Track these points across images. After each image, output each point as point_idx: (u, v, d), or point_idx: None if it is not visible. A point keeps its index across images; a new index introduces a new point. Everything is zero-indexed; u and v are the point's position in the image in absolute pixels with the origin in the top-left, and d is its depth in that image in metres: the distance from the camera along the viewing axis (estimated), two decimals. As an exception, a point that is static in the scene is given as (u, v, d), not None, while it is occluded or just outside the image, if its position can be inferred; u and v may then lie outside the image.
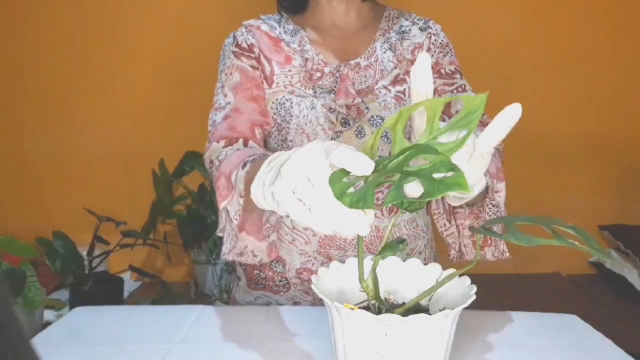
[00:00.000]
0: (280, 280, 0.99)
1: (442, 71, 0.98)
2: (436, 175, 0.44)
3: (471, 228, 0.58)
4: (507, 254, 0.86)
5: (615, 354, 0.77)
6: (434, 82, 0.96)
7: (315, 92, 0.96)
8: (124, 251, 1.63)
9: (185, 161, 1.73)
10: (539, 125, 1.91)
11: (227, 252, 0.81)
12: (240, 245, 0.80)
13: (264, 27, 1.00)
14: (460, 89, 0.97)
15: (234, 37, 1.00)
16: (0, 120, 1.89)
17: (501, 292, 1.80)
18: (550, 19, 1.88)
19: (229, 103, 0.96)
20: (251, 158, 0.75)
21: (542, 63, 1.90)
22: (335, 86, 0.96)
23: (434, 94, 0.93)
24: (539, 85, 1.91)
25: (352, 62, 0.97)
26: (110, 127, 1.88)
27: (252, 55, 0.98)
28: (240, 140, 0.91)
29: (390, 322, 0.55)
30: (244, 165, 0.74)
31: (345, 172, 0.48)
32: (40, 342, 0.79)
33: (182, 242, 1.73)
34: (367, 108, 0.94)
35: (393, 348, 0.56)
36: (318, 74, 0.96)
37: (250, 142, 0.91)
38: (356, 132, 0.94)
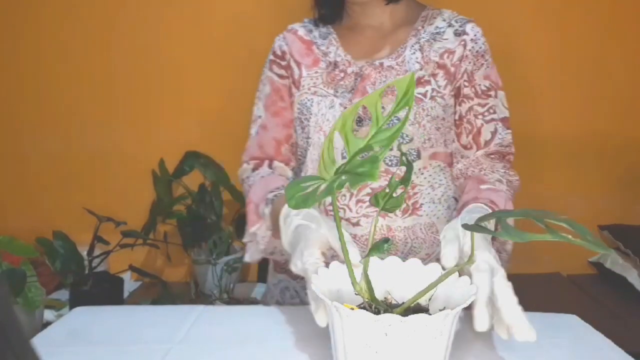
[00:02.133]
0: None
1: (477, 88, 0.96)
2: (360, 170, 0.53)
3: (464, 225, 0.58)
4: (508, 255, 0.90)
5: (615, 354, 0.77)
6: (471, 99, 0.95)
7: (336, 91, 0.97)
8: (124, 251, 1.63)
9: (185, 161, 1.73)
10: (539, 125, 1.91)
11: (249, 259, 0.94)
12: (270, 246, 0.90)
13: (301, 32, 1.05)
14: (491, 111, 0.96)
15: (274, 44, 1.07)
16: (0, 120, 1.89)
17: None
18: (554, 18, 1.88)
19: (259, 117, 1.05)
20: (272, 195, 0.89)
21: (544, 63, 1.90)
22: (355, 86, 0.97)
23: (469, 112, 0.96)
24: (540, 86, 1.91)
25: (376, 62, 0.98)
26: (110, 127, 1.88)
27: (283, 63, 1.04)
28: (265, 163, 1.03)
29: (390, 322, 0.55)
30: (266, 202, 0.88)
31: (305, 181, 0.56)
32: (40, 342, 0.79)
33: (182, 242, 1.73)
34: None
35: (393, 348, 0.56)
36: (341, 74, 0.99)
37: (275, 163, 1.03)
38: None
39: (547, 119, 1.91)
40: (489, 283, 0.63)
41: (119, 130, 1.88)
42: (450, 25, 0.99)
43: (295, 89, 1.02)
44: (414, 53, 0.97)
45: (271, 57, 1.05)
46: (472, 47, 0.97)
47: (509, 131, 0.98)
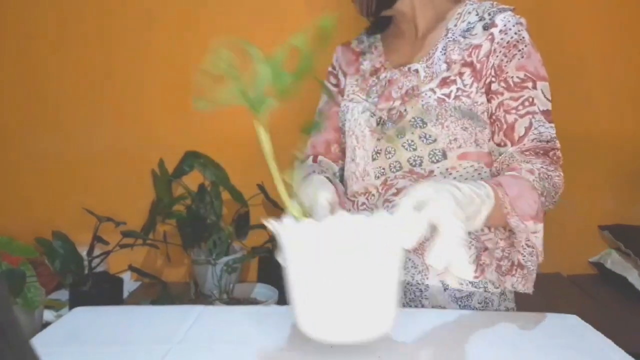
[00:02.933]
0: None
1: (510, 81, 0.90)
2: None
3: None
4: (530, 289, 0.87)
5: (615, 354, 0.77)
6: (502, 94, 0.90)
7: (369, 97, 1.02)
8: (123, 251, 1.63)
9: (185, 161, 1.73)
10: (539, 126, 1.91)
11: None
12: None
13: (353, 43, 1.13)
14: (527, 103, 0.90)
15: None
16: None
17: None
18: (548, 16, 1.88)
19: (324, 126, 1.13)
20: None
21: (544, 64, 1.90)
22: (384, 90, 1.00)
23: (499, 108, 0.91)
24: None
25: (406, 67, 0.99)
26: (109, 127, 1.88)
27: (334, 72, 1.14)
28: (311, 157, 1.12)
29: (334, 229, 0.61)
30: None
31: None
32: (39, 342, 0.79)
33: (181, 242, 1.73)
34: (405, 110, 0.95)
35: (343, 263, 0.59)
36: (375, 80, 1.02)
37: (320, 158, 1.11)
38: (397, 133, 0.96)
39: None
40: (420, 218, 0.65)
41: (118, 130, 1.87)
42: (481, 19, 0.94)
43: (340, 97, 1.10)
44: (443, 54, 0.95)
45: (329, 68, 1.15)
46: (502, 39, 0.91)
47: (551, 125, 0.93)
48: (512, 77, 0.90)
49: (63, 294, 1.69)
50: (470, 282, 0.93)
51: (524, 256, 0.84)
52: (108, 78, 1.88)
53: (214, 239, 1.69)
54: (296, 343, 0.79)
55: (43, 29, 1.85)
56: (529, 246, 0.83)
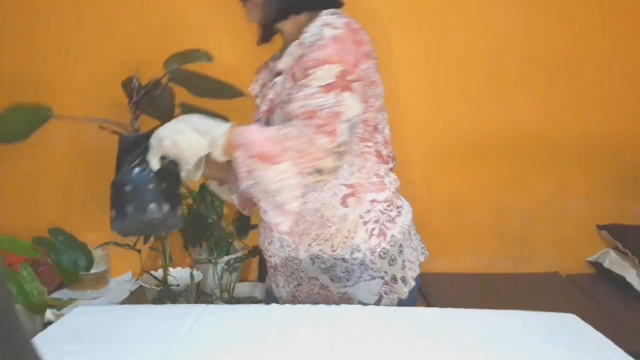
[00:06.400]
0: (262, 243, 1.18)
1: (299, 73, 0.97)
2: None
3: None
4: (284, 226, 0.96)
5: (614, 354, 0.77)
6: (293, 87, 0.98)
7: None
8: (124, 251, 1.63)
9: (185, 161, 1.73)
10: (537, 125, 1.91)
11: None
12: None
13: (270, 62, 1.17)
14: (302, 86, 0.93)
15: None
16: None
17: (500, 292, 1.80)
18: (548, 17, 1.88)
19: None
20: None
21: (541, 63, 1.90)
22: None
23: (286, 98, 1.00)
24: (538, 85, 1.91)
25: (272, 81, 1.09)
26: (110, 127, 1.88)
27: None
28: None
29: None
30: None
31: None
32: (41, 341, 0.80)
33: (182, 242, 1.73)
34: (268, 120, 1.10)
35: None
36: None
37: None
38: None
39: (546, 119, 1.91)
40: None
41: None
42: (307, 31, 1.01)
43: None
44: (285, 64, 1.04)
45: None
46: (305, 42, 0.98)
47: (323, 96, 0.92)
48: (301, 68, 0.97)
49: (64, 294, 1.69)
50: (330, 255, 1.05)
51: (256, 191, 0.92)
52: (108, 77, 1.89)
53: (215, 238, 1.70)
54: (296, 343, 0.80)
55: (43, 27, 1.86)
56: (257, 187, 0.91)
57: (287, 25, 1.07)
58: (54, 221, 1.60)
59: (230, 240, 1.73)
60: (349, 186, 1.03)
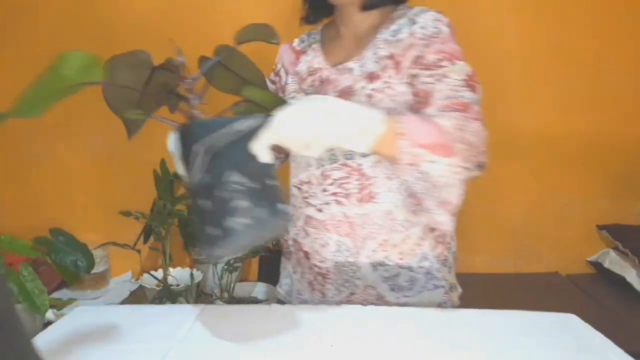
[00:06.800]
0: (288, 247, 1.11)
1: (426, 62, 0.94)
2: None
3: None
4: (448, 225, 0.88)
5: (614, 354, 0.77)
6: (420, 75, 0.93)
7: (307, 96, 1.01)
8: (124, 251, 1.63)
9: (185, 161, 1.73)
10: (537, 125, 1.91)
11: None
12: None
13: (295, 42, 1.15)
14: (441, 77, 0.91)
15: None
16: None
17: (500, 292, 1.81)
18: (548, 18, 1.88)
19: None
20: None
21: (541, 63, 1.90)
22: (320, 90, 1.03)
23: (419, 85, 0.93)
24: (538, 85, 1.91)
25: (340, 66, 1.03)
26: (111, 127, 1.88)
27: (275, 69, 1.16)
28: None
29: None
30: None
31: None
32: (41, 341, 0.80)
33: (183, 242, 1.73)
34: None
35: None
36: (310, 80, 1.06)
37: None
38: None
39: (546, 119, 1.91)
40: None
41: (120, 130, 1.87)
42: (409, 20, 0.99)
43: (281, 94, 1.11)
44: (374, 53, 0.99)
45: (274, 66, 1.17)
46: (422, 33, 0.95)
47: (468, 90, 0.91)
48: (428, 59, 0.94)
49: (64, 294, 1.69)
50: (396, 263, 0.99)
51: (419, 185, 0.84)
52: (108, 78, 1.89)
53: (214, 238, 1.69)
54: (296, 343, 0.80)
55: (42, 30, 1.86)
56: (423, 180, 0.83)
57: (371, 14, 1.03)
58: (54, 221, 1.60)
59: (230, 240, 1.73)
60: None
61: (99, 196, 1.88)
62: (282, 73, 1.14)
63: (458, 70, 0.92)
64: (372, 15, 1.04)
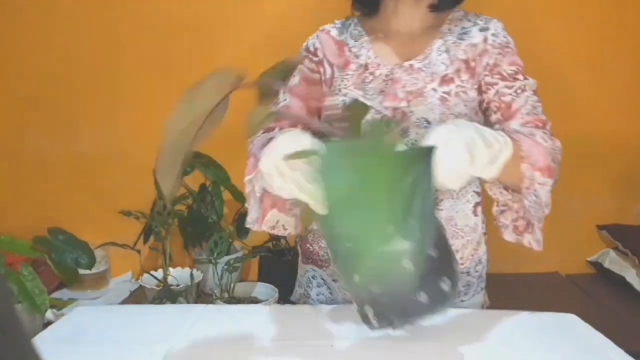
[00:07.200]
0: (324, 255, 1.06)
1: (504, 73, 0.97)
2: None
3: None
4: (539, 246, 0.92)
5: (614, 353, 0.77)
6: (497, 84, 0.96)
7: (365, 93, 0.99)
8: (124, 251, 1.63)
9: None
10: (538, 125, 1.91)
11: (252, 222, 0.91)
12: (271, 220, 0.90)
13: (333, 32, 1.08)
14: (519, 90, 0.96)
15: (307, 41, 1.09)
16: (0, 119, 1.90)
17: (501, 292, 1.80)
18: (549, 18, 1.88)
19: (284, 100, 1.03)
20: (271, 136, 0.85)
21: (541, 63, 1.90)
22: (385, 88, 0.99)
23: (496, 95, 0.96)
24: (539, 86, 1.91)
25: (405, 64, 1.00)
26: (110, 126, 1.88)
27: (315, 58, 1.06)
28: (277, 129, 0.98)
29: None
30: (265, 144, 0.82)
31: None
32: (41, 341, 0.80)
33: (183, 242, 1.73)
34: (411, 111, 0.96)
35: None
36: (370, 77, 1.01)
37: (286, 128, 0.95)
38: (401, 133, 0.97)
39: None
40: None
41: (119, 129, 1.88)
42: (475, 24, 1.01)
43: (326, 88, 1.05)
44: (440, 55, 0.99)
45: (304, 53, 1.08)
46: (494, 40, 0.98)
47: (541, 106, 0.98)
48: (505, 70, 0.97)
49: (64, 294, 1.69)
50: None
51: (530, 203, 0.86)
52: (109, 77, 1.89)
53: (215, 238, 1.70)
54: (296, 343, 0.80)
55: (43, 30, 1.86)
56: (535, 196, 0.86)
57: (427, 13, 1.02)
58: (54, 221, 1.60)
59: (230, 240, 1.73)
60: (479, 194, 1.02)
61: (99, 196, 1.88)
62: (326, 65, 1.05)
63: (532, 85, 0.98)
64: (426, 17, 1.03)
